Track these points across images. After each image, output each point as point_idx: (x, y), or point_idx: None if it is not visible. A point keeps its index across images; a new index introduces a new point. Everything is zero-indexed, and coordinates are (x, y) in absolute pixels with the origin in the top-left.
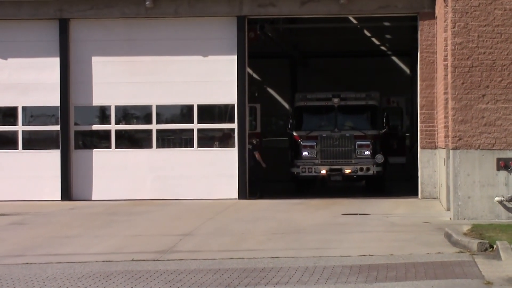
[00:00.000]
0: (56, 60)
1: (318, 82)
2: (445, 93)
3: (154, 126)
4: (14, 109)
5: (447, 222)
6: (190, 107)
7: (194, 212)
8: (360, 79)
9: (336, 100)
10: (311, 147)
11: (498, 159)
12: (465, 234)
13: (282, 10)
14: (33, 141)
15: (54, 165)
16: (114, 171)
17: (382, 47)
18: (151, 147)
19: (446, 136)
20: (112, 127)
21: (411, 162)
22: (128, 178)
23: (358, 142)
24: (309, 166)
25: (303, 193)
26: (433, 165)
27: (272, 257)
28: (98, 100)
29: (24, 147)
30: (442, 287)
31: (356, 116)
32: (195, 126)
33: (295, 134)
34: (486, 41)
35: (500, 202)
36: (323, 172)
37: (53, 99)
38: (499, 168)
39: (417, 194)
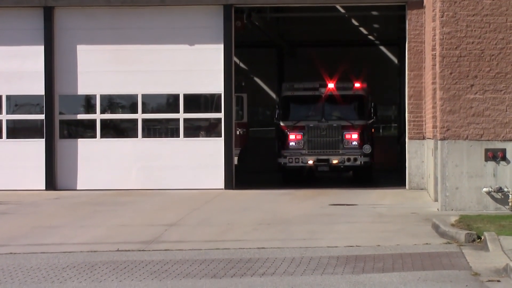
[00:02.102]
0: (41, 49)
1: (305, 72)
2: (433, 83)
3: (139, 116)
4: None
5: (435, 213)
6: (176, 97)
7: (179, 202)
8: (348, 68)
9: (323, 90)
10: (298, 137)
11: (486, 150)
12: (452, 225)
13: None
14: (18, 130)
15: (38, 155)
16: (99, 161)
17: (370, 37)
18: (137, 137)
19: (434, 127)
20: (98, 116)
21: (399, 152)
22: (114, 167)
23: (345, 133)
24: (296, 156)
25: (290, 184)
26: (421, 156)
27: (258, 248)
28: (83, 89)
29: (8, 136)
30: (429, 278)
31: (344, 106)
32: (181, 115)
33: (282, 124)
34: (475, 30)
35: (488, 193)
36: (310, 162)
37: (38, 88)
38: (487, 159)
39: (405, 185)
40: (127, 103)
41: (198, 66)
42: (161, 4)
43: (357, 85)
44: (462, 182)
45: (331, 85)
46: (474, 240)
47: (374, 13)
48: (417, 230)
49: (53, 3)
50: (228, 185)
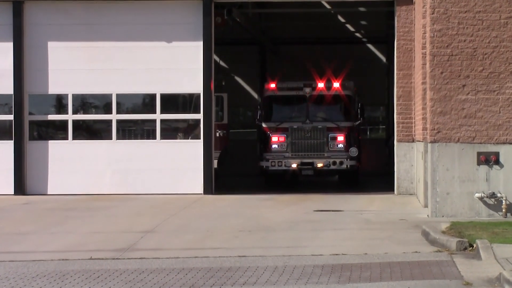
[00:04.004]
0: (10, 45)
1: (289, 71)
2: (423, 83)
3: (114, 116)
4: None
5: (425, 220)
6: (153, 96)
7: (156, 208)
8: (334, 67)
9: (307, 90)
10: (281, 139)
11: (479, 153)
12: (443, 232)
13: None
14: None
15: (7, 157)
16: (71, 164)
17: (357, 34)
18: (111, 139)
19: (424, 129)
20: (70, 117)
21: (387, 155)
22: (86, 171)
23: (331, 135)
24: (279, 159)
25: (273, 188)
26: (410, 159)
27: (239, 256)
28: (54, 88)
29: None
30: (418, 287)
31: (329, 107)
32: (158, 116)
33: (264, 125)
34: (467, 28)
35: (481, 198)
36: (294, 166)
37: (6, 87)
38: (479, 162)
39: (393, 190)
40: (101, 103)
41: (176, 64)
42: None
43: (343, 84)
44: (454, 187)
45: (315, 85)
46: (466, 248)
47: (361, 9)
48: (406, 238)
49: None
50: (207, 189)
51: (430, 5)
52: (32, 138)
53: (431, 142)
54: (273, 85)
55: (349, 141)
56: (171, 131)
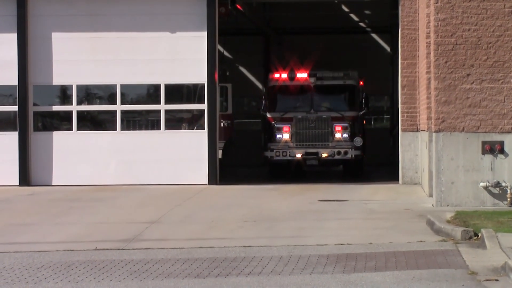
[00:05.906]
0: (14, 36)
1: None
2: (428, 72)
3: (118, 107)
4: None
5: (430, 209)
6: (157, 87)
7: (161, 198)
8: (338, 57)
9: (312, 80)
10: (286, 129)
11: (484, 143)
12: (448, 221)
13: None
14: None
15: (11, 148)
16: (75, 155)
17: (361, 24)
18: (115, 129)
19: (429, 118)
20: (74, 107)
21: (391, 145)
22: (91, 162)
23: (335, 124)
24: (284, 149)
25: (277, 178)
26: (415, 149)
27: (244, 246)
28: (58, 79)
29: None
30: (424, 277)
31: (334, 97)
32: (162, 107)
33: (268, 115)
34: (471, 17)
35: (485, 187)
36: (298, 156)
37: (11, 78)
38: (484, 152)
39: (398, 180)
40: (105, 93)
41: (180, 54)
42: None
43: (347, 74)
44: (458, 176)
45: (320, 75)
46: (471, 238)
47: None
48: (411, 227)
49: None
50: (212, 180)
51: None
52: (36, 129)
53: (435, 131)
54: (277, 75)
55: (354, 131)
56: (175, 121)
